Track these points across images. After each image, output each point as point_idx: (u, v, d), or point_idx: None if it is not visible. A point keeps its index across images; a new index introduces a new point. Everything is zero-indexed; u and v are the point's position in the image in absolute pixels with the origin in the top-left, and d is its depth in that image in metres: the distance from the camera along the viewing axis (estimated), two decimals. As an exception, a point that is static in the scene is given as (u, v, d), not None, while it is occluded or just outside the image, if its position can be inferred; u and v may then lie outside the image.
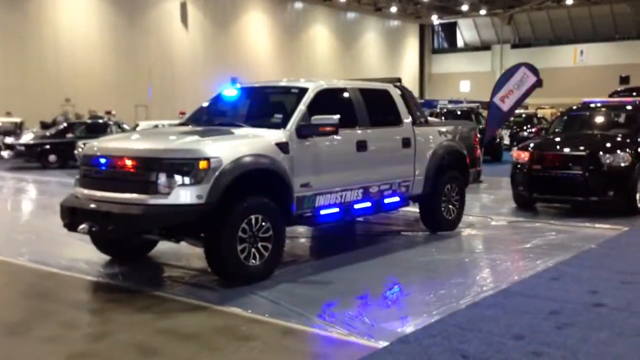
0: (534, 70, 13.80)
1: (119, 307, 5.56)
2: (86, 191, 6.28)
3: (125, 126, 21.03)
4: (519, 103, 14.13)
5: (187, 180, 5.76)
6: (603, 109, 11.62)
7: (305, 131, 6.67)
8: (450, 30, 60.63)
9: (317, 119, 6.66)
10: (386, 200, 7.87)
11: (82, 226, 5.96)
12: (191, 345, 4.63)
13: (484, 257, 7.48)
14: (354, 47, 52.63)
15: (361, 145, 7.39)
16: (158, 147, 6.04)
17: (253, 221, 6.11)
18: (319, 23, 49.72)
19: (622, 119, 11.36)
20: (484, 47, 58.42)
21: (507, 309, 5.39)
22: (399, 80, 8.57)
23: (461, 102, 33.75)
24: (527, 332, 4.79)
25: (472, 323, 5.02)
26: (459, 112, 22.99)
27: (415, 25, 58.45)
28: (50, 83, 34.41)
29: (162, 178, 5.77)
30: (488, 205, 11.58)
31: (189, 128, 6.99)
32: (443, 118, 21.99)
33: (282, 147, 6.47)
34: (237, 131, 6.58)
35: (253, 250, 6.14)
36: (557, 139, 10.73)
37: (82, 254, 7.23)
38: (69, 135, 19.96)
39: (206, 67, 41.21)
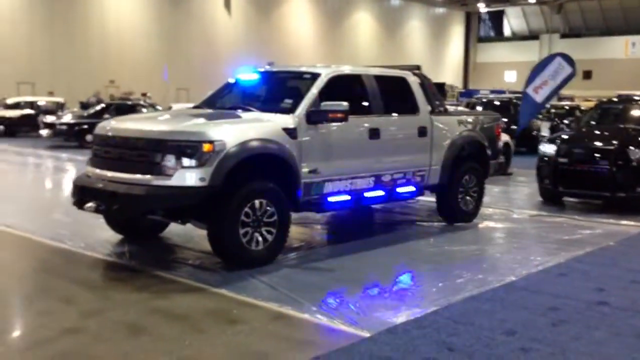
0: (569, 60, 13.44)
1: (119, 285, 5.64)
2: (96, 170, 6.38)
3: (159, 108, 21.28)
4: (553, 94, 13.80)
5: (190, 162, 5.79)
6: (637, 103, 11.25)
7: (314, 117, 6.63)
8: (497, 19, 59.62)
9: (326, 105, 6.61)
10: (399, 189, 7.78)
11: (89, 204, 6.07)
12: (179, 326, 4.67)
13: (496, 250, 7.36)
14: (398, 35, 52.18)
15: (374, 133, 7.31)
16: (164, 129, 6.08)
17: (257, 205, 6.11)
18: (362, 10, 49.41)
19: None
20: (532, 36, 57.27)
21: (506, 304, 5.29)
22: (418, 67, 8.44)
23: (503, 92, 33.16)
24: (520, 328, 4.69)
25: (466, 316, 4.94)
26: (497, 103, 22.50)
27: (461, 13, 57.62)
28: (96, 65, 35.09)
29: (167, 160, 5.81)
30: (514, 198, 11.37)
31: (199, 111, 7.02)
32: (481, 108, 21.64)
33: (290, 132, 6.44)
34: (245, 115, 6.58)
35: (256, 234, 6.14)
36: (586, 132, 10.44)
37: (99, 233, 7.31)
38: (106, 115, 20.27)
39: (248, 52, 41.30)
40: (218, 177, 5.82)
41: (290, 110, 6.65)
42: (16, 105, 24.13)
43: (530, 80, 13.61)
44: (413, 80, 8.09)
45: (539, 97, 13.52)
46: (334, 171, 6.89)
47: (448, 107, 9.52)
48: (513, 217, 9.27)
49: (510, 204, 10.53)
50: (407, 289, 5.77)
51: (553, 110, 25.02)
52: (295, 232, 7.85)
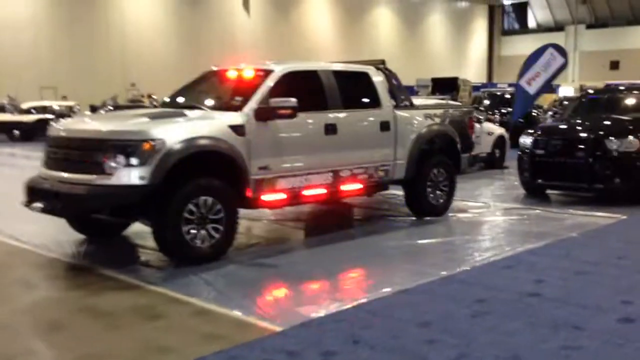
0: (561, 51, 13.25)
1: (60, 284, 5.78)
2: (47, 171, 6.51)
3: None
4: (546, 85, 13.60)
5: (130, 161, 5.87)
6: (624, 92, 11.03)
7: (263, 114, 6.66)
8: (521, 11, 58.84)
9: (274, 101, 6.65)
10: (362, 185, 7.77)
11: (35, 204, 6.20)
12: (100, 323, 4.76)
13: (454, 243, 7.28)
14: (419, 30, 51.88)
15: (330, 129, 7.32)
16: (105, 129, 6.20)
17: (201, 203, 6.17)
18: (383, 5, 49.25)
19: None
20: (557, 27, 56.36)
21: (436, 296, 5.26)
22: (383, 62, 8.41)
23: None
24: (438, 320, 4.67)
25: (389, 309, 4.94)
26: (508, 96, 22.22)
27: (484, 6, 57.03)
28: (116, 68, 35.67)
29: (108, 159, 5.91)
30: (498, 191, 11.19)
31: (147, 110, 7.13)
32: (487, 102, 21.47)
33: (237, 129, 6.48)
34: (191, 113, 6.65)
35: (202, 231, 6.21)
36: (565, 123, 10.28)
37: (63, 233, 7.35)
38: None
39: (267, 51, 41.36)
40: (158, 176, 5.89)
41: (239, 108, 6.71)
42: (31, 110, 24.65)
43: (523, 72, 13.45)
44: (375, 75, 8.07)
45: (532, 89, 13.37)
46: (286, 167, 6.91)
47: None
48: (487, 210, 9.17)
49: (491, 197, 10.41)
50: (343, 284, 5.78)
51: (566, 102, 24.66)
52: (258, 228, 7.96)
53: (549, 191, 10.34)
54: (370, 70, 8.08)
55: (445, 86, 29.07)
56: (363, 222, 8.69)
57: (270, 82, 6.94)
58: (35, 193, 6.36)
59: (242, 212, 7.48)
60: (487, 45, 58.09)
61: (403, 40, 50.37)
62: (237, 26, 42.27)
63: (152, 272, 6.06)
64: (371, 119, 7.86)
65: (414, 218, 8.55)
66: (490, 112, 20.04)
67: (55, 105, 25.41)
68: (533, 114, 19.80)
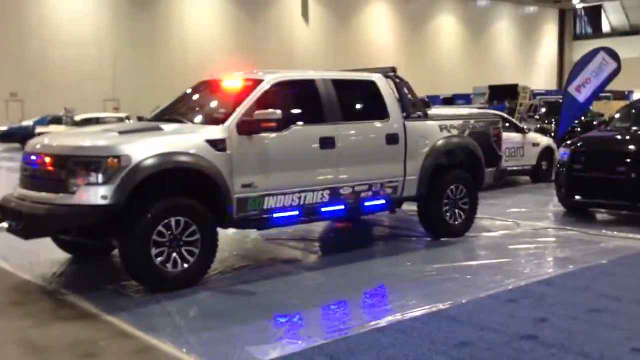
0: (614, 55, 12.16)
1: (13, 311, 5.36)
2: (20, 189, 6.17)
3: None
4: (597, 93, 12.53)
5: (93, 179, 5.45)
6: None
7: (246, 127, 6.13)
8: (594, 14, 56.48)
9: (258, 114, 6.11)
10: (367, 203, 7.13)
11: (2, 224, 5.86)
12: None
13: (459, 270, 6.42)
14: (484, 37, 50.50)
15: (327, 142, 6.71)
16: (70, 145, 5.80)
17: (174, 224, 5.68)
18: (446, 13, 48.19)
19: None
20: (633, 31, 53.69)
21: (414, 337, 4.57)
22: (394, 70, 7.73)
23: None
24: (402, 369, 3.99)
25: (351, 352, 4.28)
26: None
27: (554, 10, 55.07)
28: (177, 81, 35.96)
29: (71, 176, 5.51)
30: (536, 208, 10.21)
31: (118, 125, 6.73)
32: (543, 110, 20.40)
33: (216, 144, 5.96)
34: (168, 127, 6.19)
35: (174, 255, 5.72)
36: (605, 135, 9.28)
37: (50, 253, 7.03)
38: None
39: (326, 61, 41.09)
40: (121, 195, 5.43)
41: (222, 121, 6.20)
42: (85, 122, 24.99)
43: (571, 78, 12.43)
44: (383, 84, 7.40)
45: (581, 97, 12.33)
46: (275, 185, 6.35)
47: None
48: (514, 231, 8.30)
49: (525, 214, 9.47)
50: (316, 318, 5.13)
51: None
52: (253, 249, 7.44)
53: (593, 209, 9.38)
54: (378, 79, 7.42)
55: (504, 93, 27.96)
56: (371, 243, 8.02)
57: (256, 93, 6.41)
58: (4, 212, 6.02)
59: (243, 231, 7.06)
60: (558, 50, 56.01)
61: (467, 47, 49.12)
62: (297, 36, 42.20)
63: (117, 300, 5.57)
64: (376, 131, 7.20)
65: (428, 238, 7.82)
66: (547, 122, 18.98)
67: (108, 116, 25.76)
68: (594, 123, 18.59)
